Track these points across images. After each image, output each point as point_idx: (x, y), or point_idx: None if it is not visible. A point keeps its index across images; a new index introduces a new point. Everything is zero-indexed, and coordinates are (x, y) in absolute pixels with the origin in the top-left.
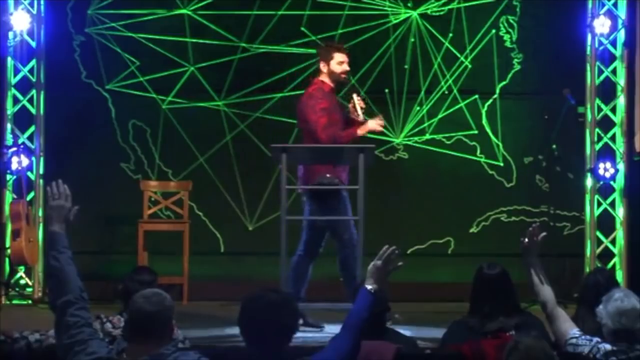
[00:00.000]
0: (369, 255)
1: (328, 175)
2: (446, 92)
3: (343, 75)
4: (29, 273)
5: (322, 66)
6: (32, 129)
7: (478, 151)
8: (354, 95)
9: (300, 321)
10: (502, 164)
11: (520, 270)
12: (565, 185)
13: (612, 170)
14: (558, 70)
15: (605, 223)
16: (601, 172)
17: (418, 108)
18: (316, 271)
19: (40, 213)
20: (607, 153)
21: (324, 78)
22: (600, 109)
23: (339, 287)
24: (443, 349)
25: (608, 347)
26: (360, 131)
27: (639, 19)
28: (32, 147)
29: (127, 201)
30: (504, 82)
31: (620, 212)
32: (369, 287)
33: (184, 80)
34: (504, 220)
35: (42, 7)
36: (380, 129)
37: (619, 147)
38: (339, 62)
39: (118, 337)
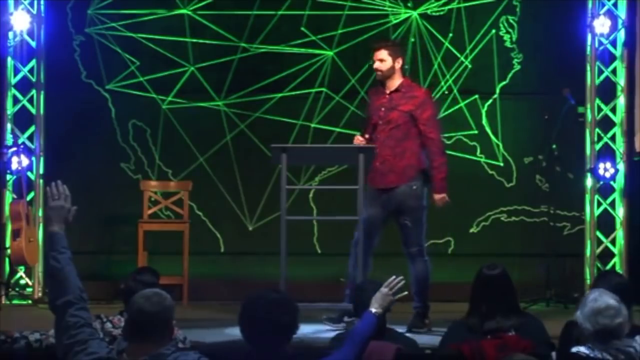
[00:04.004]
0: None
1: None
2: (446, 92)
3: (377, 74)
4: (29, 273)
5: None
6: (32, 129)
7: (478, 151)
8: None
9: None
10: (502, 164)
11: (520, 270)
12: (565, 185)
13: (612, 170)
14: (558, 70)
15: (605, 223)
16: (601, 172)
17: None
18: (316, 271)
19: (40, 213)
20: (607, 153)
21: None
22: (600, 109)
23: (338, 287)
24: (443, 349)
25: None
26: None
27: (639, 19)
28: (32, 147)
29: (127, 201)
30: (504, 82)
31: (620, 212)
32: (373, 310)
33: (184, 80)
34: (504, 220)
35: (42, 7)
36: None
37: (619, 147)
38: (372, 62)
39: (118, 337)
